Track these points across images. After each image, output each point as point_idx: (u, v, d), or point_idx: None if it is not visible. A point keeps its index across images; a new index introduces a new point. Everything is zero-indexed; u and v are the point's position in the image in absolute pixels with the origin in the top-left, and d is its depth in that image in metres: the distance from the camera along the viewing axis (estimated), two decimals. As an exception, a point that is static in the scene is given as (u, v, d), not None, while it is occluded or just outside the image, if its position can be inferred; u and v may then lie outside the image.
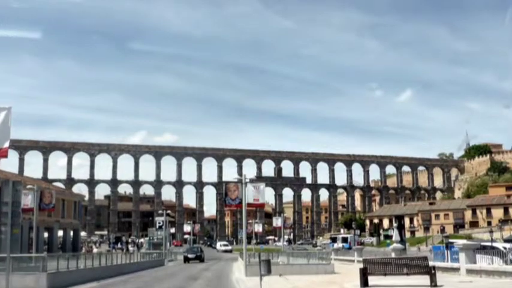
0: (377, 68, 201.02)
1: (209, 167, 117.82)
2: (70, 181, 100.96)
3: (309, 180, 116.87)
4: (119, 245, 68.12)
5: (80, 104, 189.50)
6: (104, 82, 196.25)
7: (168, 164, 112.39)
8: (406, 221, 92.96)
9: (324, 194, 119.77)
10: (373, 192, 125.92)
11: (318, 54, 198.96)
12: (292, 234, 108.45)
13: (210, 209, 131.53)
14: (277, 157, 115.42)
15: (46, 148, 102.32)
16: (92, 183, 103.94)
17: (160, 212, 70.07)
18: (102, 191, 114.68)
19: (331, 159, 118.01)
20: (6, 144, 10.96)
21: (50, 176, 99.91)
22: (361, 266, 15.45)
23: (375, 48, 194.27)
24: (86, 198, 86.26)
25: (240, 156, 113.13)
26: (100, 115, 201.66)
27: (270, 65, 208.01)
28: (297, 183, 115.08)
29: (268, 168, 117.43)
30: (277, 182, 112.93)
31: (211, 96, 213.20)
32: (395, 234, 34.32)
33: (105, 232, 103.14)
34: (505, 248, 17.60)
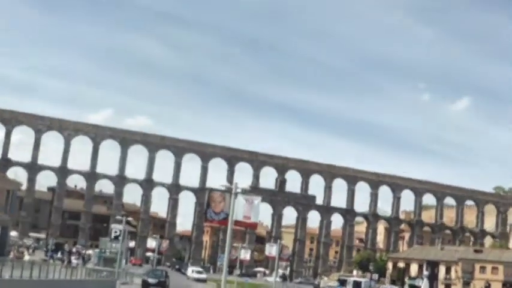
0: (428, 63, 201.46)
1: (190, 166, 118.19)
2: (5, 162, 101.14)
3: (319, 201, 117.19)
4: (59, 255, 68.26)
5: (29, 62, 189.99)
6: (65, 37, 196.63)
7: (137, 156, 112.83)
8: (442, 269, 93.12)
9: (337, 221, 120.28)
10: (403, 226, 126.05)
11: (351, 35, 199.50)
12: (289, 269, 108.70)
13: (185, 222, 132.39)
14: (282, 165, 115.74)
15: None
16: (33, 168, 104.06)
17: (118, 217, 69.95)
18: (45, 181, 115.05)
19: (352, 177, 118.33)
20: None
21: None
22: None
23: (427, 37, 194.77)
24: (23, 187, 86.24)
25: (232, 157, 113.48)
26: (55, 80, 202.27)
27: (286, 41, 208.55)
28: (304, 202, 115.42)
29: (268, 178, 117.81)
30: (277, 198, 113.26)
31: (204, 74, 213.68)
32: (424, 285, 34.46)
33: (43, 235, 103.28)
34: None
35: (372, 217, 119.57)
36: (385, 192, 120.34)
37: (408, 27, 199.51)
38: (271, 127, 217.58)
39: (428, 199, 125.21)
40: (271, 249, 73.35)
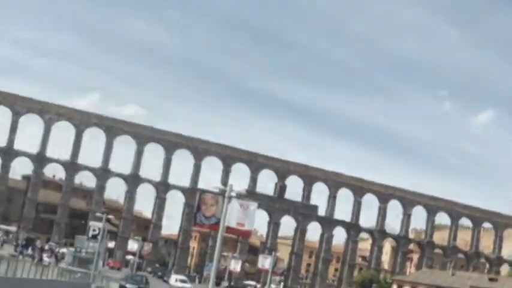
0: (451, 69, 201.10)
1: (182, 163, 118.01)
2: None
3: (322, 211, 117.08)
4: (30, 251, 68.10)
5: (12, 36, 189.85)
6: (54, 11, 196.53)
7: (124, 148, 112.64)
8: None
9: (339, 235, 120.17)
10: (412, 246, 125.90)
11: (367, 31, 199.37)
12: (282, 285, 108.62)
13: (171, 224, 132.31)
14: (282, 169, 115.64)
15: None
16: (8, 153, 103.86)
17: (98, 214, 69.66)
18: (20, 168, 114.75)
19: (359, 187, 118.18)
20: None
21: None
22: None
23: (451, 39, 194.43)
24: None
25: (228, 157, 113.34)
26: (38, 58, 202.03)
27: (297, 35, 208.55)
28: (304, 212, 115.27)
29: (266, 182, 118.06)
30: (275, 205, 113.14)
31: (205, 64, 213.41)
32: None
33: (13, 228, 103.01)
34: None
35: (379, 234, 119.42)
36: (394, 207, 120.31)
37: (431, 27, 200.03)
38: (274, 127, 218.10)
39: (442, 218, 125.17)
40: (264, 262, 73.17)
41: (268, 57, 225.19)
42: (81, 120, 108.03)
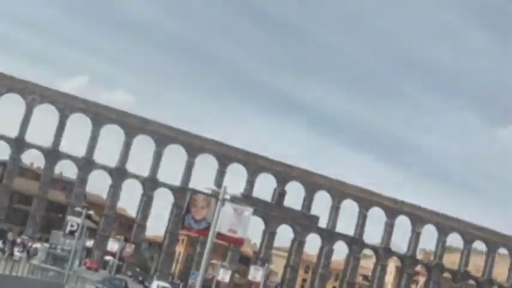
0: (479, 78, 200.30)
1: (173, 159, 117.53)
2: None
3: (323, 223, 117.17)
4: (0, 244, 68.12)
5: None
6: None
7: (111, 137, 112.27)
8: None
9: (340, 250, 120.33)
10: (419, 268, 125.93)
11: (390, 30, 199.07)
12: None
13: (157, 225, 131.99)
14: (283, 174, 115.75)
15: None
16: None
17: (78, 209, 69.70)
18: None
19: (365, 200, 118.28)
20: None
21: None
22: None
23: (482, 46, 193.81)
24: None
25: (225, 156, 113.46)
26: (22, 32, 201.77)
27: (311, 26, 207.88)
28: (304, 222, 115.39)
29: (264, 186, 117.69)
30: (272, 213, 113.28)
31: (206, 52, 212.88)
32: None
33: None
34: None
35: (383, 252, 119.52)
36: (402, 224, 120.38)
37: (461, 31, 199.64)
38: (277, 126, 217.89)
39: (454, 240, 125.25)
40: (256, 273, 73.22)
41: (278, 50, 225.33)
42: (66, 104, 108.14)
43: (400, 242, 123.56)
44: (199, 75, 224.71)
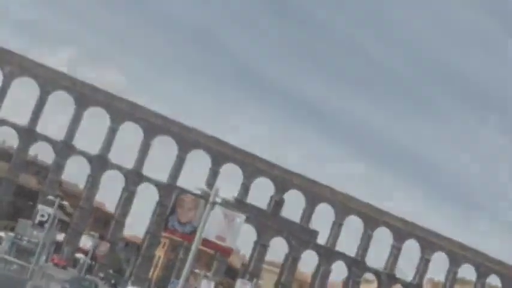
0: (509, 91, 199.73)
1: (162, 152, 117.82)
2: None
3: (322, 239, 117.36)
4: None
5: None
6: None
7: (95, 122, 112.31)
8: None
9: (339, 271, 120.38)
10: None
11: (414, 31, 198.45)
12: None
13: (137, 224, 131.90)
14: (283, 180, 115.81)
15: None
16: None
17: (51, 197, 69.79)
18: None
19: (372, 218, 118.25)
20: None
21: None
22: None
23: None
24: None
25: (220, 153, 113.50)
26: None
27: (330, 18, 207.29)
28: (301, 236, 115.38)
29: (261, 192, 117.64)
30: (267, 222, 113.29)
31: (211, 36, 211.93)
32: None
33: None
34: None
35: (387, 278, 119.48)
36: (411, 248, 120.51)
37: (492, 38, 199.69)
38: (282, 127, 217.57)
39: (467, 271, 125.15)
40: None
41: (292, 43, 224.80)
42: (48, 80, 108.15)
43: (406, 268, 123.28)
44: (202, 65, 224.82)
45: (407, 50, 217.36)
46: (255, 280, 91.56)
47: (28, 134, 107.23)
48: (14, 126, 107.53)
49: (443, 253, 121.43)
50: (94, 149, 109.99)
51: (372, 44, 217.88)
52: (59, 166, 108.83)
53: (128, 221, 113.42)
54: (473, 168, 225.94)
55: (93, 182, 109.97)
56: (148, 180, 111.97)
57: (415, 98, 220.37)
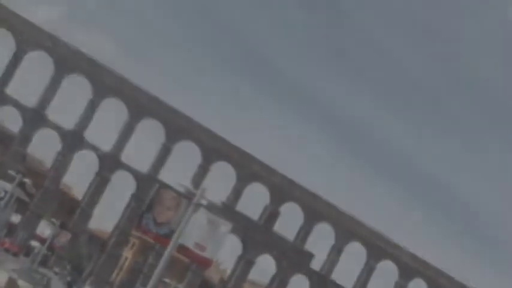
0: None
1: (145, 138, 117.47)
2: None
3: (316, 264, 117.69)
4: None
5: None
6: None
7: (74, 92, 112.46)
8: None
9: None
10: None
11: (457, 37, 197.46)
12: None
13: (106, 217, 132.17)
14: (281, 189, 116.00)
15: None
16: None
17: (12, 172, 69.69)
18: None
19: (378, 248, 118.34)
20: None
21: None
22: None
23: None
24: None
25: (213, 149, 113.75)
26: None
27: (361, 9, 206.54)
28: (294, 257, 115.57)
29: (254, 199, 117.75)
30: (256, 236, 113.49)
31: (222, 14, 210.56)
32: None
33: None
34: None
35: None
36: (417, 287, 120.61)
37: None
38: (287, 127, 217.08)
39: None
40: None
41: (311, 33, 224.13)
42: (26, 37, 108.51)
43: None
44: (207, 44, 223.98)
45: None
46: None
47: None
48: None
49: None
50: (69, 123, 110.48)
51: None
52: (25, 137, 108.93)
53: (97, 211, 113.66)
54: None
55: (62, 161, 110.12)
56: (126, 168, 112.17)
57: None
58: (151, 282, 28.42)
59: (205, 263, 29.29)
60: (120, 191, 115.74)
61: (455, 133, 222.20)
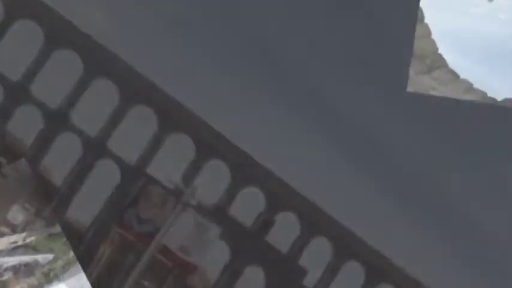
0: None
1: (135, 126, 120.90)
2: None
3: (310, 282, 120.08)
4: None
5: None
6: None
7: (63, 68, 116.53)
8: None
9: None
10: None
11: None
12: None
13: (86, 206, 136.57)
14: (279, 194, 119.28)
15: None
16: None
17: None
18: None
19: (377, 270, 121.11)
20: None
21: None
22: None
23: None
24: None
25: (208, 145, 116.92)
26: None
27: None
28: (284, 272, 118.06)
29: (248, 204, 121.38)
30: (247, 245, 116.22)
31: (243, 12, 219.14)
32: None
33: None
34: None
35: None
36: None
37: None
38: (294, 133, 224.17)
39: None
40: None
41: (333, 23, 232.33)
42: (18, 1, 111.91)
43: None
44: (213, 28, 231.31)
45: None
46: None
47: None
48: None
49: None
50: (54, 102, 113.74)
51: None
52: (6, 112, 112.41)
53: (76, 200, 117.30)
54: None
55: (44, 141, 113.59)
56: (112, 156, 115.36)
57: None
58: (127, 284, 30.14)
59: (189, 268, 30.56)
60: (104, 180, 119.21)
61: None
